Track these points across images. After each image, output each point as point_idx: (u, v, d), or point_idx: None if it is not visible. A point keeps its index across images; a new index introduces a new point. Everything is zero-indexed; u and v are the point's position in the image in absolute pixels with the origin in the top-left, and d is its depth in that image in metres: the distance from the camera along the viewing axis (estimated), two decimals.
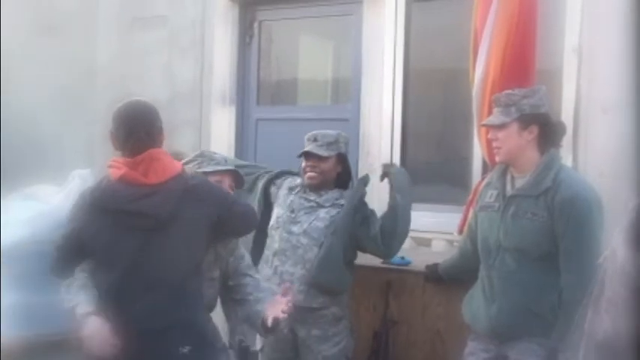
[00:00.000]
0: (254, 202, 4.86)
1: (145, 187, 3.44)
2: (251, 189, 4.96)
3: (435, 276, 4.81)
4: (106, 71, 8.77)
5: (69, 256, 3.59)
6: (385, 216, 4.71)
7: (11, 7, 9.59)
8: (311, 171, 4.75)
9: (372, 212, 4.78)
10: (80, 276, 3.52)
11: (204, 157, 4.10)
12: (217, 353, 3.70)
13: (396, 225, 4.65)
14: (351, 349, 4.80)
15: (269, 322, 3.62)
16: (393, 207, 4.70)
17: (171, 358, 3.43)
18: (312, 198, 4.78)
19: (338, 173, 4.84)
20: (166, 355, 3.43)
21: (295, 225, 4.71)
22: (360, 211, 4.72)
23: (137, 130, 3.53)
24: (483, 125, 4.38)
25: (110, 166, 3.53)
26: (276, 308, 3.63)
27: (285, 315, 3.62)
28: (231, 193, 3.93)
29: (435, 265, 4.83)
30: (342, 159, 4.85)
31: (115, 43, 8.68)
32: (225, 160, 4.14)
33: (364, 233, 4.67)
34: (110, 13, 8.71)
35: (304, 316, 4.66)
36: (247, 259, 3.79)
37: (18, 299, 7.09)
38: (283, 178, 4.98)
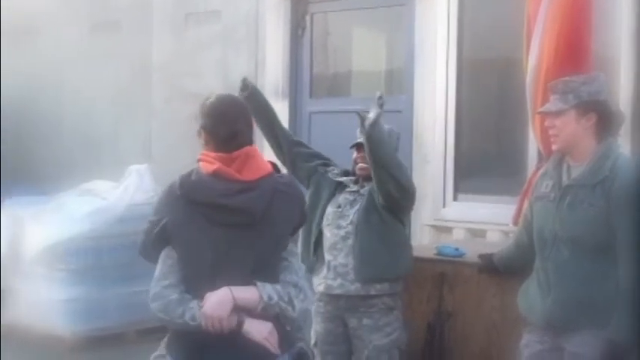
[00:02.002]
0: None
1: (239, 184, 3.42)
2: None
3: (489, 266, 4.75)
4: (161, 67, 8.84)
5: (155, 242, 3.51)
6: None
7: (66, 5, 9.72)
8: (363, 162, 4.80)
9: None
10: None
11: None
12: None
13: (377, 150, 4.60)
14: (404, 342, 4.78)
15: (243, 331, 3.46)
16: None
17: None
18: (354, 189, 4.86)
19: None
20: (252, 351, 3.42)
21: (343, 218, 4.79)
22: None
23: (236, 126, 3.50)
24: (540, 112, 4.30)
25: (201, 160, 3.49)
26: (262, 332, 3.45)
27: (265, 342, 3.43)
28: None
29: (490, 255, 4.77)
30: None
31: (170, 39, 8.74)
32: None
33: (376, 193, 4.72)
34: (164, 10, 8.78)
35: (355, 305, 4.72)
36: (292, 246, 3.78)
37: (76, 294, 7.21)
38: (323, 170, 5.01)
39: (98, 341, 7.18)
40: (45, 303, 7.25)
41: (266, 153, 4.67)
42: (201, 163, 3.48)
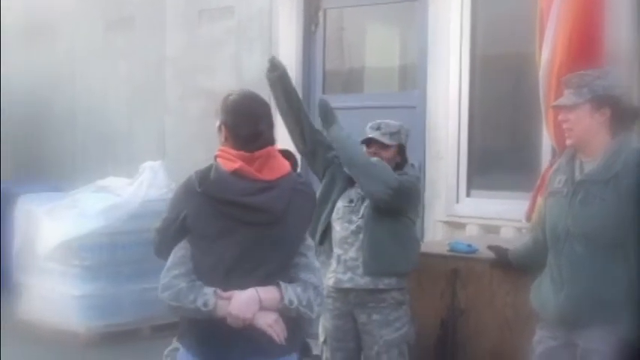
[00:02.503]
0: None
1: (259, 183, 3.45)
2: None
3: (504, 262, 4.73)
4: (175, 64, 8.85)
5: (170, 238, 3.54)
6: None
7: (81, 2, 9.75)
8: (373, 157, 4.80)
9: None
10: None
11: None
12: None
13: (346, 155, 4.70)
14: (412, 337, 4.80)
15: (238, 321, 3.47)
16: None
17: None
18: None
19: (396, 163, 4.88)
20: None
21: (354, 213, 4.80)
22: None
23: (259, 126, 3.52)
24: (554, 106, 4.28)
25: (220, 157, 3.50)
26: (267, 319, 3.48)
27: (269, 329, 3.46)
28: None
29: (505, 250, 4.74)
30: (402, 150, 4.93)
31: (183, 35, 8.75)
32: None
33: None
34: (178, 6, 8.79)
35: (364, 300, 4.73)
36: (309, 240, 3.79)
37: (90, 290, 7.24)
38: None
39: (112, 337, 7.22)
40: (59, 299, 7.29)
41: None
42: (220, 160, 3.49)
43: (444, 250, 5.19)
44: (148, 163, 7.87)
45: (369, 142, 4.84)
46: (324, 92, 7.21)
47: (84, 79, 9.79)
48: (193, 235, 3.48)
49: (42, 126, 10.09)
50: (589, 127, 3.92)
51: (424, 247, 5.22)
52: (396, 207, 4.70)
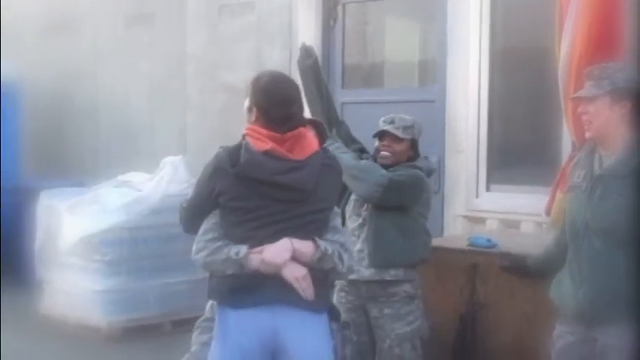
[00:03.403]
0: None
1: (290, 162, 3.59)
2: None
3: (521, 269, 4.62)
4: (196, 59, 8.87)
5: (202, 214, 3.70)
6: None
7: None
8: (385, 150, 4.82)
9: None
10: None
11: None
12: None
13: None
14: (425, 331, 4.78)
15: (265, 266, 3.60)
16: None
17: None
18: None
19: (408, 157, 4.86)
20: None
21: (362, 207, 4.80)
22: None
23: (291, 108, 3.66)
24: (574, 98, 4.24)
25: (250, 136, 3.61)
26: (295, 272, 3.61)
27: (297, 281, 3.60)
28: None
29: (523, 258, 4.60)
30: (415, 145, 4.92)
31: (204, 31, 8.77)
32: None
33: None
34: (198, 2, 8.81)
35: (376, 294, 4.74)
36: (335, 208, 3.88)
37: (111, 285, 7.26)
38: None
39: (133, 332, 7.24)
40: (81, 294, 7.32)
41: None
42: (250, 139, 3.60)
43: (463, 244, 5.17)
44: (169, 159, 7.89)
45: (382, 134, 4.83)
46: (343, 87, 7.21)
47: (105, 75, 9.84)
48: (224, 210, 3.63)
49: (64, 122, 10.15)
50: (608, 119, 3.88)
51: (443, 242, 5.21)
52: (393, 202, 4.68)
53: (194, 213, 3.74)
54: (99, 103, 9.90)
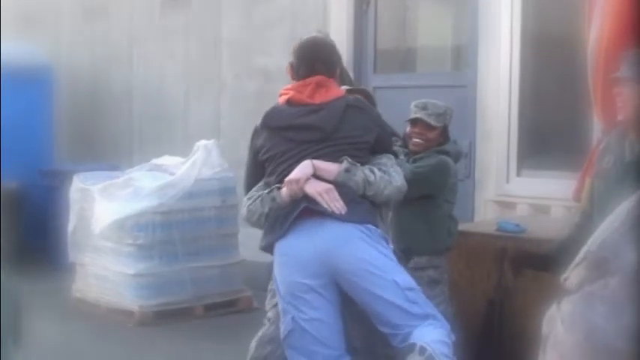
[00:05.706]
0: None
1: (311, 106, 3.85)
2: None
3: (535, 263, 4.51)
4: (231, 43, 8.89)
5: (255, 175, 4.05)
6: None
7: None
8: (417, 137, 4.82)
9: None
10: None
11: None
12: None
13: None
14: (450, 317, 4.74)
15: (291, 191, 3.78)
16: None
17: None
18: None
19: (439, 143, 4.86)
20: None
21: None
22: None
23: (315, 65, 3.92)
24: (612, 78, 4.19)
25: (280, 94, 3.97)
26: (317, 187, 3.75)
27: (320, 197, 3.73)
28: None
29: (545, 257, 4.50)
30: (445, 131, 4.91)
31: (239, 15, 8.78)
32: None
33: None
34: None
35: None
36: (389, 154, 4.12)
37: (144, 269, 7.28)
38: None
39: (166, 316, 7.25)
40: (113, 277, 7.34)
41: None
42: (279, 97, 3.96)
43: (492, 229, 5.16)
44: (202, 142, 7.90)
45: (415, 121, 4.82)
46: (375, 71, 7.19)
47: (140, 59, 9.89)
48: (265, 165, 3.95)
49: (99, 105, 10.22)
50: None
51: (472, 227, 5.20)
52: (419, 194, 4.63)
53: (248, 174, 4.11)
54: (133, 88, 9.96)
